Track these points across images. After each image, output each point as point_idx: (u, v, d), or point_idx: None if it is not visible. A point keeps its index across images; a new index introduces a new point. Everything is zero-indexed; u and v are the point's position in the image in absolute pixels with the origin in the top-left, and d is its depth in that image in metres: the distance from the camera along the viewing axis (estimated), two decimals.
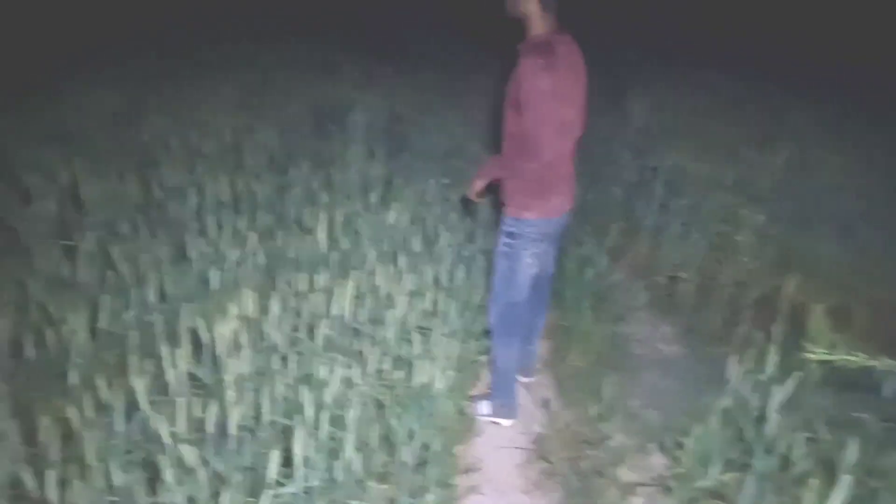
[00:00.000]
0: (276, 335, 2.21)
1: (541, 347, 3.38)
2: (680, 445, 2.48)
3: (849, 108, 6.10)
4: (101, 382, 1.75)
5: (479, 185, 2.60)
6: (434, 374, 2.22)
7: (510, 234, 2.57)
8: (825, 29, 8.10)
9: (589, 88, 2.53)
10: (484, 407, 2.88)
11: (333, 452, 1.92)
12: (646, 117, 5.43)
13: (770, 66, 7.36)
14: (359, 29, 8.17)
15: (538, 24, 2.33)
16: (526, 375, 3.16)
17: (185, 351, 1.87)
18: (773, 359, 2.36)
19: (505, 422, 2.90)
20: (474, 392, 2.97)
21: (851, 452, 1.87)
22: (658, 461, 2.76)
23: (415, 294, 2.66)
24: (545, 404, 3.02)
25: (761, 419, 2.26)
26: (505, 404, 2.87)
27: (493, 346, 2.80)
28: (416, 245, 3.12)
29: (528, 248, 2.56)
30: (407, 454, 2.12)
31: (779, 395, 2.14)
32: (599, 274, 3.91)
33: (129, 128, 3.84)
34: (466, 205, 2.67)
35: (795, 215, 4.25)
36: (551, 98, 2.23)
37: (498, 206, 4.07)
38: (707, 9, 8.81)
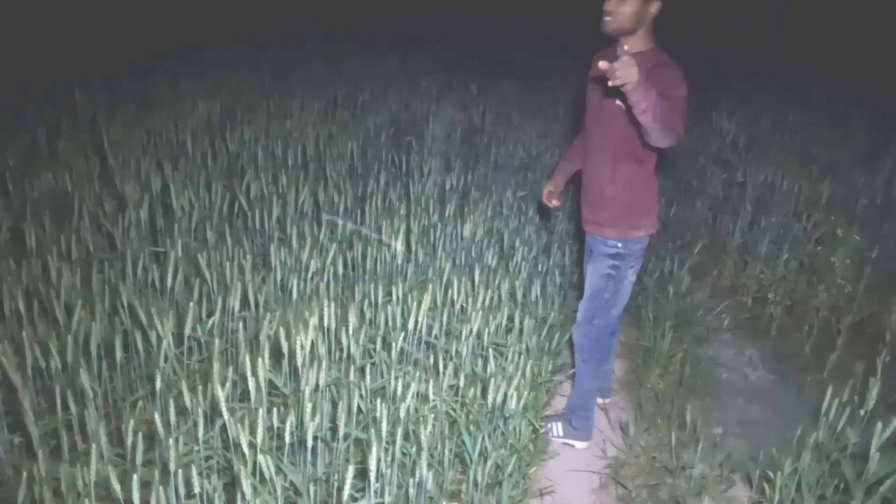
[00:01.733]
0: (353, 346, 2.22)
1: (615, 366, 3.29)
2: (768, 479, 2.34)
3: None
4: (184, 388, 1.80)
5: (637, 87, 1.97)
6: (509, 393, 2.18)
7: (617, 257, 2.46)
8: None
9: None
10: (558, 428, 2.81)
11: (407, 468, 1.91)
12: (735, 131, 5.21)
13: (874, 81, 6.96)
14: (438, 42, 8.25)
15: (646, 38, 2.27)
16: (603, 396, 3.07)
17: (265, 360, 1.90)
18: (874, 392, 2.19)
19: (579, 444, 2.82)
20: (548, 412, 2.90)
21: None
22: (742, 494, 2.61)
23: (490, 309, 2.63)
24: (623, 428, 2.91)
25: (861, 457, 2.10)
26: (580, 426, 2.79)
27: (580, 368, 2.71)
28: (492, 258, 3.09)
29: (633, 266, 2.51)
30: (480, 474, 2.09)
31: (882, 432, 1.98)
32: (681, 293, 3.77)
33: (219, 138, 3.99)
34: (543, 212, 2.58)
35: None
36: (687, 102, 2.18)
37: (577, 221, 3.99)
38: (808, 22, 8.43)
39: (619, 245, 2.45)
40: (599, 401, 3.02)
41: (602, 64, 1.90)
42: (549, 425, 2.82)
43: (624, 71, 1.89)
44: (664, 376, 3.30)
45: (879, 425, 2.01)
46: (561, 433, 2.81)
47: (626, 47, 1.98)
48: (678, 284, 3.72)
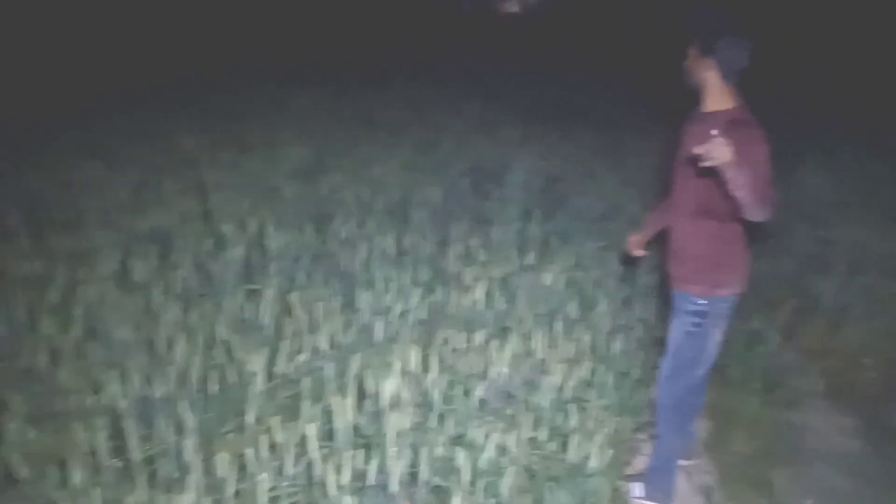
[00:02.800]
0: (434, 392, 2.25)
1: (699, 426, 3.17)
2: None
3: None
4: (277, 425, 1.87)
5: (730, 161, 2.01)
6: (590, 451, 2.15)
7: (700, 314, 2.38)
8: None
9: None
10: (639, 489, 2.71)
11: None
12: (826, 186, 5.04)
13: None
14: (518, 89, 8.39)
15: (722, 95, 2.24)
16: (687, 458, 2.93)
17: (351, 401, 1.96)
18: None
19: None
20: (630, 472, 2.82)
21: None
22: None
23: (571, 362, 2.61)
24: (706, 493, 2.80)
25: None
26: (662, 489, 2.68)
27: (662, 428, 2.63)
28: (573, 309, 3.08)
29: (719, 325, 2.41)
30: None
31: None
32: (769, 353, 3.63)
33: (310, 182, 4.17)
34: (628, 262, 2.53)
35: None
36: (770, 166, 2.15)
37: (660, 274, 3.92)
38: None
39: (703, 302, 2.38)
40: (685, 463, 2.90)
41: (697, 149, 1.98)
42: (631, 485, 2.74)
43: (716, 152, 1.95)
44: (750, 440, 3.16)
45: None
46: (642, 494, 2.72)
47: (714, 131, 1.99)
48: (766, 344, 3.59)
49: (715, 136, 1.95)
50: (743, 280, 2.42)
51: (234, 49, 8.93)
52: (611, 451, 2.25)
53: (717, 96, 2.25)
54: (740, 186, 2.02)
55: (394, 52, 8.82)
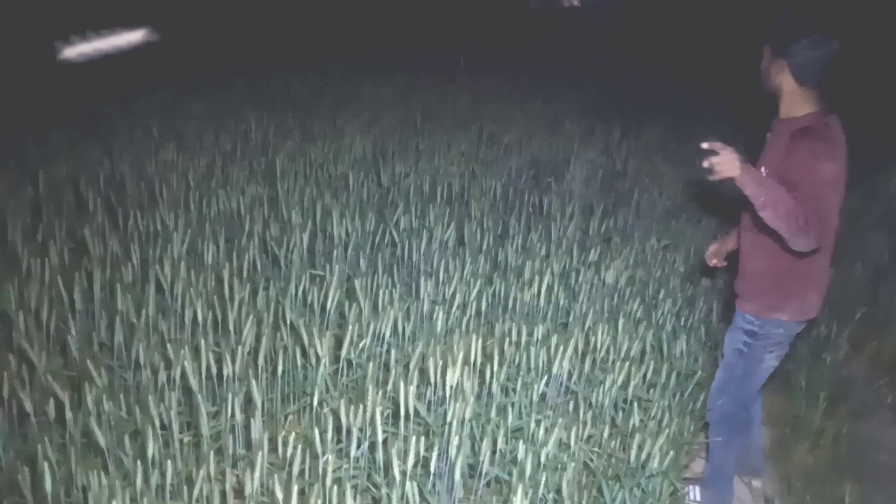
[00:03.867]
0: (495, 384, 2.26)
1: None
2: None
3: None
4: (342, 406, 1.90)
5: (741, 176, 1.92)
6: (651, 452, 2.12)
7: (751, 334, 2.24)
8: None
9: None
10: (696, 493, 2.65)
11: None
12: None
13: None
14: (581, 85, 8.28)
15: (797, 101, 2.09)
16: (754, 475, 2.81)
17: (414, 388, 1.98)
18: None
19: None
20: (688, 475, 2.77)
21: None
22: None
23: (633, 360, 2.58)
24: (768, 502, 2.73)
25: None
26: (718, 499, 2.60)
27: (712, 441, 2.52)
28: (635, 308, 3.04)
29: (772, 350, 2.25)
30: None
31: None
32: (837, 362, 3.50)
33: (373, 172, 4.22)
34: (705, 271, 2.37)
35: None
36: (832, 189, 1.99)
37: (727, 277, 3.83)
38: None
39: (755, 322, 2.23)
40: (754, 483, 2.81)
41: (705, 162, 1.91)
42: (688, 488, 2.69)
43: (722, 165, 1.89)
44: (815, 451, 3.06)
45: None
46: (698, 498, 2.66)
47: (705, 144, 1.93)
48: (834, 353, 3.46)
49: (712, 146, 1.89)
50: (806, 307, 2.21)
51: (304, 39, 9.11)
52: (671, 453, 2.21)
53: (792, 102, 2.10)
54: (761, 207, 1.90)
55: (460, 47, 8.82)
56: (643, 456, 2.11)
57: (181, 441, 2.21)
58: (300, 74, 6.99)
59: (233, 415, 2.06)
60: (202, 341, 2.20)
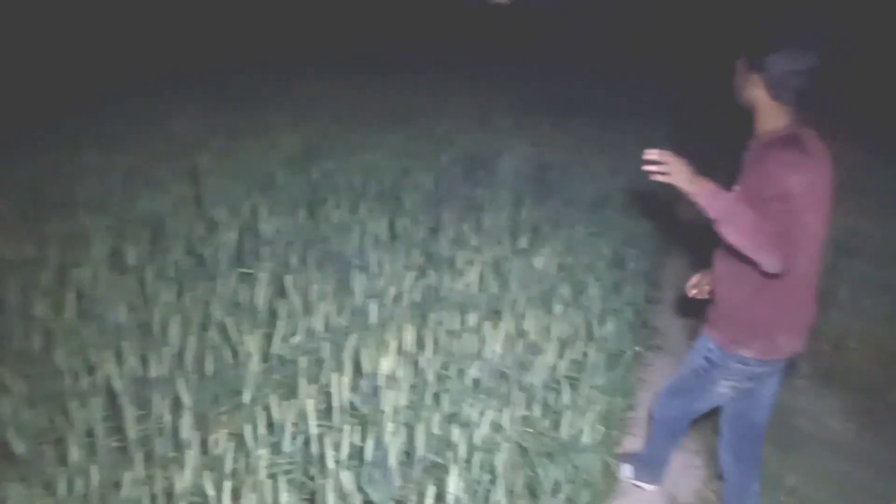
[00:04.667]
0: (429, 372, 2.28)
1: None
2: None
3: None
4: (274, 400, 1.89)
5: (697, 194, 1.83)
6: (582, 428, 2.18)
7: (710, 361, 2.12)
8: None
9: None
10: (628, 469, 2.73)
11: (482, 495, 1.93)
12: None
13: None
14: (511, 79, 8.41)
15: (772, 117, 1.92)
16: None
17: (348, 379, 1.98)
18: None
19: (648, 487, 2.73)
20: (620, 450, 2.86)
21: None
22: None
23: (563, 342, 2.64)
24: (696, 473, 2.85)
25: None
26: (651, 469, 2.69)
27: (653, 435, 2.56)
28: (564, 293, 3.11)
29: (730, 380, 2.11)
30: None
31: None
32: None
33: (302, 168, 4.18)
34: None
35: None
36: (802, 203, 1.79)
37: (651, 261, 3.97)
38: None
39: (715, 352, 2.10)
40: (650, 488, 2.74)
41: (648, 152, 1.81)
42: (621, 465, 2.77)
43: (669, 167, 1.79)
44: None
45: None
46: (630, 474, 2.73)
47: (653, 154, 1.82)
48: None
49: (661, 156, 1.79)
50: (774, 347, 2.01)
51: (227, 37, 8.90)
52: (602, 429, 2.28)
53: (767, 118, 1.93)
54: (718, 221, 1.79)
55: (389, 43, 8.82)
56: (574, 432, 2.17)
57: (106, 447, 2.15)
58: (226, 72, 6.84)
59: (161, 417, 2.02)
60: (125, 344, 2.14)
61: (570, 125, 6.68)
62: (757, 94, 1.91)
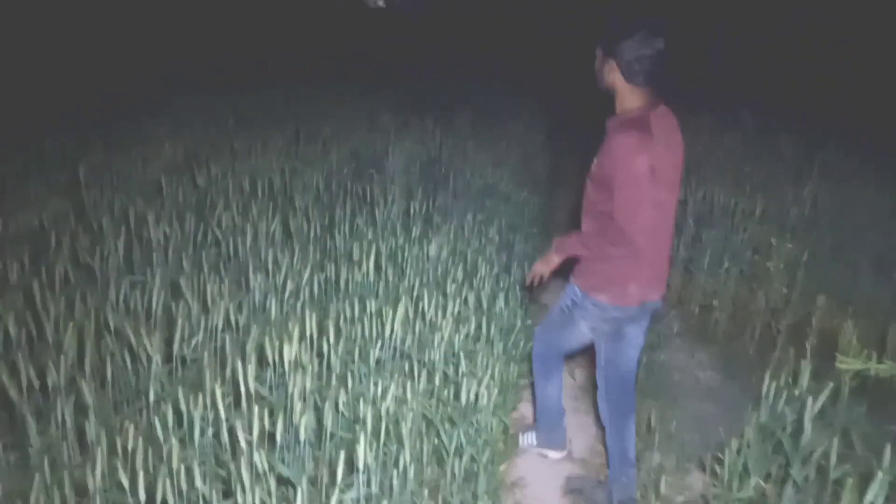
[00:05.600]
0: (333, 357, 2.38)
1: (577, 374, 3.51)
2: (720, 462, 2.56)
3: (879, 149, 6.19)
4: (180, 394, 1.93)
5: (556, 261, 2.45)
6: (480, 392, 2.36)
7: (573, 302, 2.44)
8: (858, 70, 8.26)
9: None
10: (531, 438, 2.94)
11: (390, 463, 2.06)
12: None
13: (803, 105, 7.54)
14: (394, 81, 8.57)
15: (627, 98, 2.18)
16: (560, 449, 2.96)
17: (253, 368, 2.05)
18: (806, 374, 2.45)
19: (553, 454, 2.94)
20: (519, 427, 3.06)
21: (886, 456, 1.95)
22: (698, 479, 2.83)
23: (459, 319, 2.82)
24: (585, 429, 3.11)
25: (797, 432, 2.34)
26: (550, 436, 2.91)
27: (535, 383, 2.83)
28: (458, 276, 3.29)
29: (588, 321, 2.42)
30: (457, 467, 2.25)
31: (813, 406, 2.23)
32: None
33: (187, 175, 4.13)
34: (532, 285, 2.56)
35: (826, 246, 4.33)
36: (646, 181, 2.08)
37: (536, 245, 4.21)
38: (739, 50, 9.11)
39: (578, 295, 2.42)
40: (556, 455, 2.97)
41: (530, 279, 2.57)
42: (524, 436, 2.95)
43: (539, 273, 2.52)
44: None
45: (810, 400, 2.26)
46: (535, 442, 2.94)
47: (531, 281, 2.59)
48: None
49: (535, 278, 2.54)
50: (626, 295, 2.30)
51: (100, 54, 8.48)
52: (497, 392, 2.47)
53: (623, 99, 2.19)
54: (582, 253, 2.36)
55: (269, 50, 8.73)
56: (473, 398, 2.35)
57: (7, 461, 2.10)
58: (101, 88, 6.56)
59: (64, 423, 2.00)
60: (19, 355, 2.10)
61: (454, 122, 6.91)
62: (613, 77, 2.17)
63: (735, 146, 6.14)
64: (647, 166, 2.08)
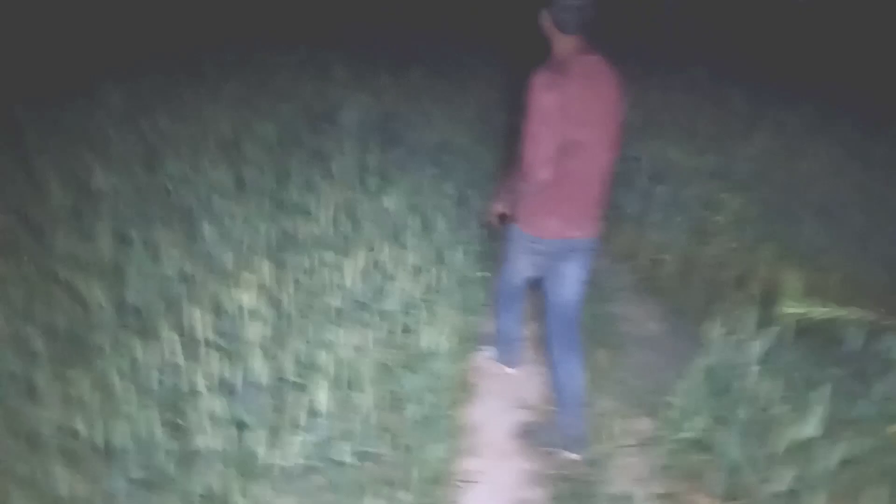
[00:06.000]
0: (291, 305, 2.37)
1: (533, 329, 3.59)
2: (668, 405, 2.67)
3: (827, 104, 6.35)
4: (137, 342, 1.90)
5: (498, 209, 2.66)
6: (438, 340, 2.39)
7: (508, 236, 2.65)
8: (803, 30, 8.42)
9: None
10: (492, 352, 3.22)
11: (350, 407, 2.08)
12: (627, 112, 5.61)
13: (752, 63, 7.66)
14: (347, 34, 8.35)
15: (559, 45, 2.34)
16: (574, 450, 2.76)
17: (210, 316, 2.03)
18: (751, 319, 2.55)
19: (508, 370, 3.23)
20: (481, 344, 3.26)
21: (822, 393, 2.06)
22: (647, 423, 2.95)
23: (417, 269, 2.83)
24: (539, 378, 3.19)
25: (742, 375, 2.45)
26: (508, 353, 3.22)
27: (496, 312, 3.10)
28: (415, 228, 3.29)
29: (522, 253, 2.65)
30: (415, 411, 2.28)
31: (756, 348, 2.33)
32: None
33: (136, 126, 3.98)
34: (488, 227, 2.72)
35: (774, 200, 4.47)
36: (552, 116, 2.23)
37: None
38: (688, 9, 9.18)
39: (515, 229, 2.62)
40: (573, 456, 2.79)
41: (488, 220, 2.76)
42: (484, 348, 3.23)
43: (492, 216, 2.71)
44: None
45: (756, 344, 2.37)
46: (493, 355, 3.23)
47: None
48: None
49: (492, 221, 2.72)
50: (545, 228, 2.50)
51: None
52: (456, 340, 2.50)
53: (556, 46, 2.37)
54: (519, 191, 2.45)
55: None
56: (431, 346, 2.37)
57: None
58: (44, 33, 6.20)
59: (14, 373, 1.95)
60: None
61: (409, 77, 6.79)
62: (549, 27, 2.35)
63: (688, 103, 6.23)
64: (554, 103, 2.22)
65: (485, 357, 3.21)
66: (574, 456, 2.72)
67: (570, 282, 2.65)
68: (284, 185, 3.50)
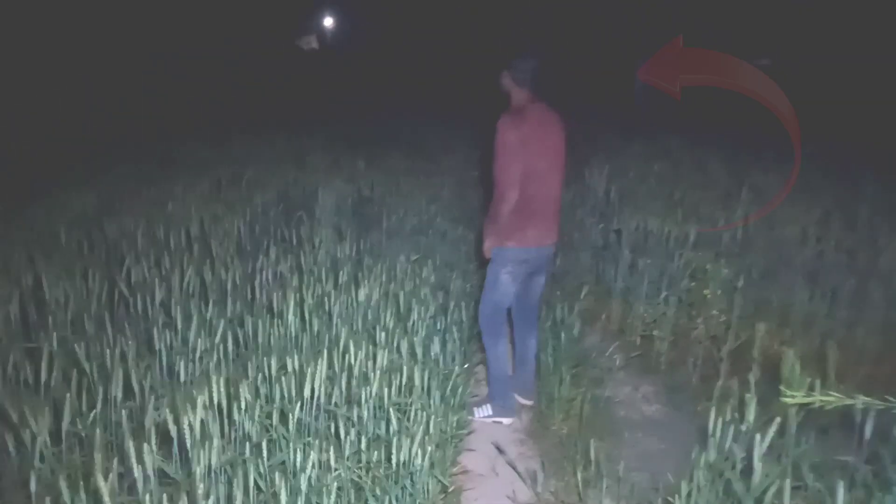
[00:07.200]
0: (247, 423, 2.15)
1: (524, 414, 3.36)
2: None
3: (804, 165, 6.33)
4: (62, 484, 1.67)
5: (487, 243, 3.12)
6: (413, 452, 2.16)
7: (492, 259, 3.16)
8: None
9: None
10: (486, 409, 3.34)
11: None
12: (606, 185, 5.56)
13: (728, 131, 7.73)
14: (324, 121, 8.42)
15: (515, 96, 3.02)
16: (526, 398, 3.51)
17: (152, 446, 1.81)
18: (751, 408, 2.35)
19: (506, 420, 3.35)
20: (472, 400, 3.39)
21: (839, 496, 1.85)
22: None
23: (390, 370, 2.63)
24: (532, 477, 2.94)
25: (747, 471, 2.23)
26: (503, 405, 3.34)
27: (485, 349, 3.30)
28: (389, 321, 3.11)
29: (507, 268, 3.13)
30: None
31: (761, 443, 2.12)
32: (574, 338, 3.91)
33: (95, 227, 3.83)
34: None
35: (761, 267, 4.34)
36: (517, 149, 2.87)
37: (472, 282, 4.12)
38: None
39: (494, 251, 3.13)
40: (524, 402, 3.52)
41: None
42: (476, 409, 3.34)
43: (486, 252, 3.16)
44: (567, 420, 3.38)
45: (758, 437, 2.16)
46: (488, 413, 3.33)
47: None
48: (570, 330, 3.85)
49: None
50: (525, 238, 3.06)
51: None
52: (435, 449, 2.28)
53: (514, 98, 3.05)
54: (497, 213, 3.01)
55: (201, 93, 8.46)
56: (405, 458, 2.15)
57: None
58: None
59: None
60: None
61: (386, 160, 6.78)
62: (509, 84, 3.04)
63: (665, 172, 6.19)
64: (516, 139, 2.88)
65: (479, 418, 3.33)
66: (527, 401, 3.49)
67: (538, 284, 3.35)
68: (251, 281, 3.33)
